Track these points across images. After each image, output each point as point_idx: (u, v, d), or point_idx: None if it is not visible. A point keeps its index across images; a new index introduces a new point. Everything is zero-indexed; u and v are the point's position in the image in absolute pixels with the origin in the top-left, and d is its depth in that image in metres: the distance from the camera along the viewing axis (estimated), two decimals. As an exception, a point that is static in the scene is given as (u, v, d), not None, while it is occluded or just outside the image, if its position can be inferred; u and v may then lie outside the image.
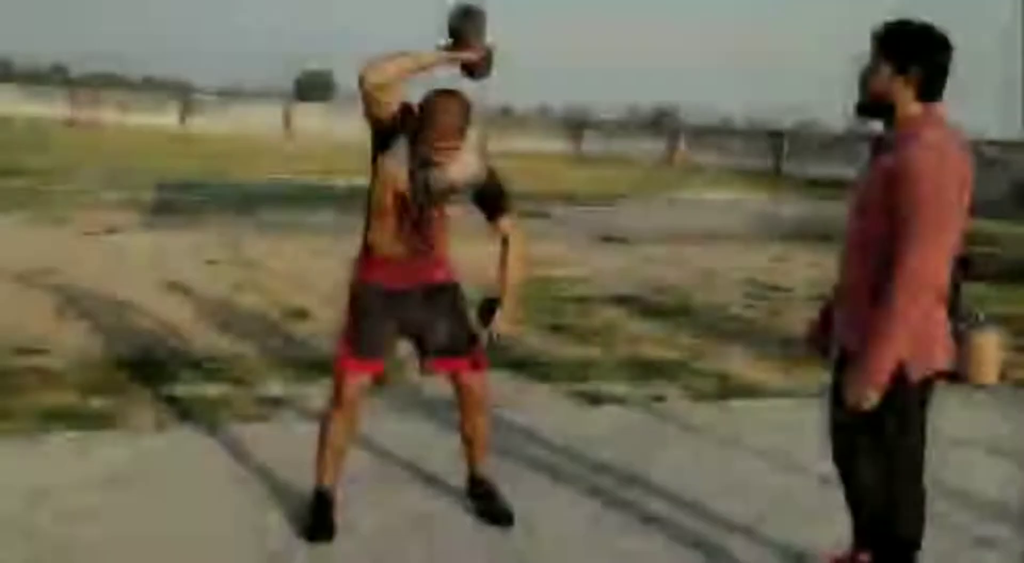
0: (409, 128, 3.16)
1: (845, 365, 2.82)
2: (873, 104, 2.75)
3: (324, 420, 3.43)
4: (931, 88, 2.67)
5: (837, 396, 2.95)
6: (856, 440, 2.90)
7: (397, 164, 3.18)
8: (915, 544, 2.95)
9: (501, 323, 3.33)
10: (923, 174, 2.54)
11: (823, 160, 32.74)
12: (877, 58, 2.70)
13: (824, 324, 3.09)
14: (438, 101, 3.11)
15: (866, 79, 2.74)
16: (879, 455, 2.85)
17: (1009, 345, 6.40)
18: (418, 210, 3.23)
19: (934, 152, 2.57)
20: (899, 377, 2.68)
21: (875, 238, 2.69)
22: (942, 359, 2.79)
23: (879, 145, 2.78)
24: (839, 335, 2.92)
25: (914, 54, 2.65)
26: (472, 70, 3.22)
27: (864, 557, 3.13)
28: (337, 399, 3.34)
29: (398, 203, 3.22)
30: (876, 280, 2.66)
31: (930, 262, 2.56)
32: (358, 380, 3.33)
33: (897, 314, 2.58)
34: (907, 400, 2.76)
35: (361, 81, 3.01)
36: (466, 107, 3.13)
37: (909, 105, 2.68)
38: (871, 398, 2.67)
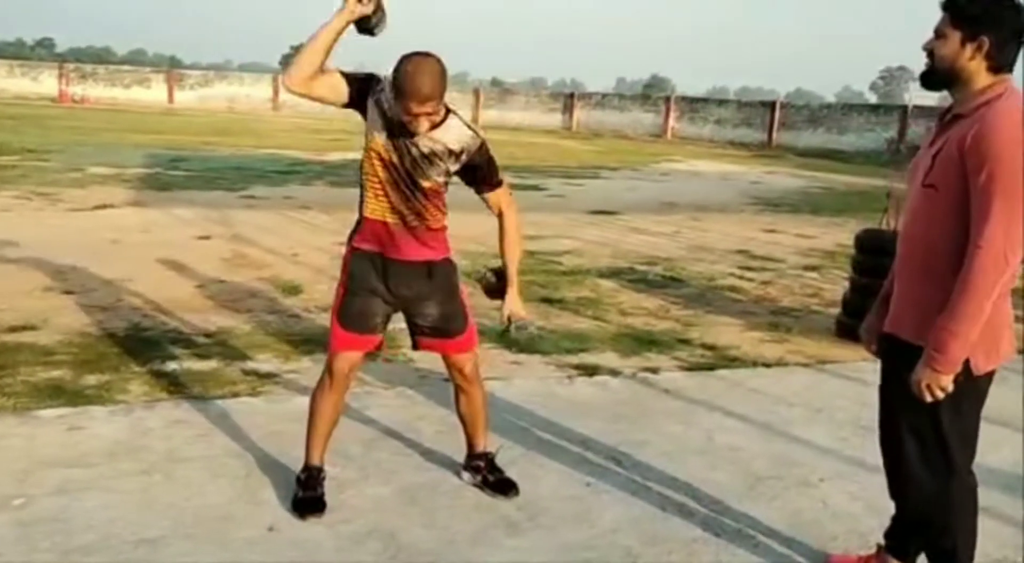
0: (375, 95, 3.07)
1: (893, 351, 2.63)
2: (940, 74, 2.50)
3: (314, 395, 3.38)
4: (1003, 58, 2.43)
5: (886, 384, 2.76)
6: (906, 433, 2.67)
7: (376, 131, 3.10)
8: (962, 555, 2.71)
9: (516, 307, 3.36)
10: (1006, 143, 2.32)
11: (814, 130, 32.80)
12: (944, 24, 2.46)
13: (883, 313, 2.79)
14: (410, 64, 2.94)
15: (932, 46, 2.49)
16: (931, 451, 2.62)
17: (1021, 317, 6.39)
18: (408, 179, 3.14)
19: (1015, 119, 2.34)
20: (962, 369, 2.48)
21: (945, 214, 2.46)
22: (1008, 351, 2.58)
23: (948, 117, 2.54)
24: (891, 316, 2.70)
25: (985, 20, 2.40)
26: (366, 26, 2.98)
27: None
28: (328, 373, 3.30)
29: (386, 171, 3.14)
30: (943, 259, 2.47)
31: (1011, 238, 2.34)
32: (349, 355, 3.29)
33: (978, 299, 2.38)
34: (967, 394, 2.54)
35: (289, 90, 3.01)
36: (442, 69, 2.98)
37: (980, 75, 2.44)
38: (946, 386, 2.46)
